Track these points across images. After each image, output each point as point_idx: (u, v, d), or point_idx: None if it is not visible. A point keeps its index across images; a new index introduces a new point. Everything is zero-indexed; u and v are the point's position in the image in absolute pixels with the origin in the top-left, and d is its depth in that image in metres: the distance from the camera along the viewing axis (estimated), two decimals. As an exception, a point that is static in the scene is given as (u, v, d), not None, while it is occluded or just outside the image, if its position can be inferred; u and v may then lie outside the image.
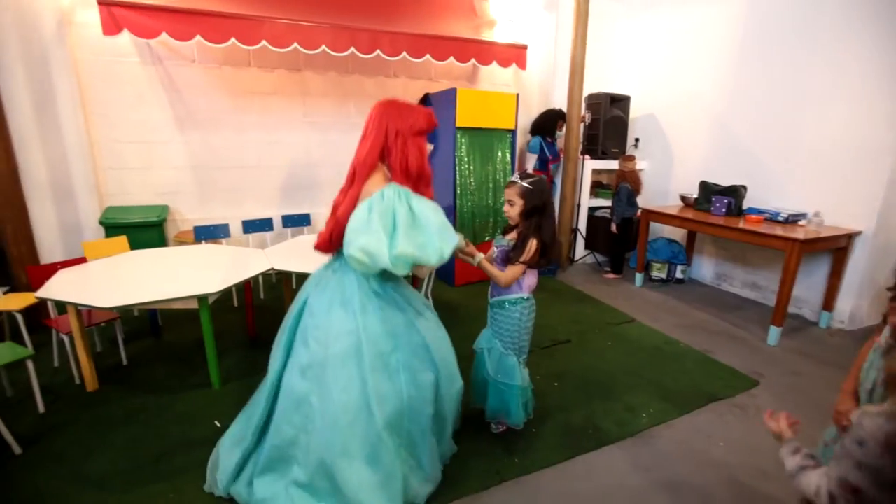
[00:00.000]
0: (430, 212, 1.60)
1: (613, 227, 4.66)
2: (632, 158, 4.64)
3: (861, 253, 3.49)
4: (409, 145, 1.61)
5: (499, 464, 2.07)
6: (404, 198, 1.57)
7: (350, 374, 1.61)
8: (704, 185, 4.32)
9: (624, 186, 4.53)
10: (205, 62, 4.02)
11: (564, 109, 4.78)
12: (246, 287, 3.14)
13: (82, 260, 2.95)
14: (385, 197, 1.55)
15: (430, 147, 1.71)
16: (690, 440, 2.30)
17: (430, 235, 1.56)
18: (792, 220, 3.59)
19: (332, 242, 1.71)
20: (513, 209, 1.96)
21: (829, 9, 3.52)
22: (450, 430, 1.96)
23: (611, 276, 4.82)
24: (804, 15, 3.67)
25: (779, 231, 3.36)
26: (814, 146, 3.70)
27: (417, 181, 1.65)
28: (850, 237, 3.47)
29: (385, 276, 1.71)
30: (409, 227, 1.53)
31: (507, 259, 1.97)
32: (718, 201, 4.02)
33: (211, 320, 2.54)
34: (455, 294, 4.15)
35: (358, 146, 1.68)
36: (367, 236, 1.50)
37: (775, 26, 3.88)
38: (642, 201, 5.29)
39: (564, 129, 4.86)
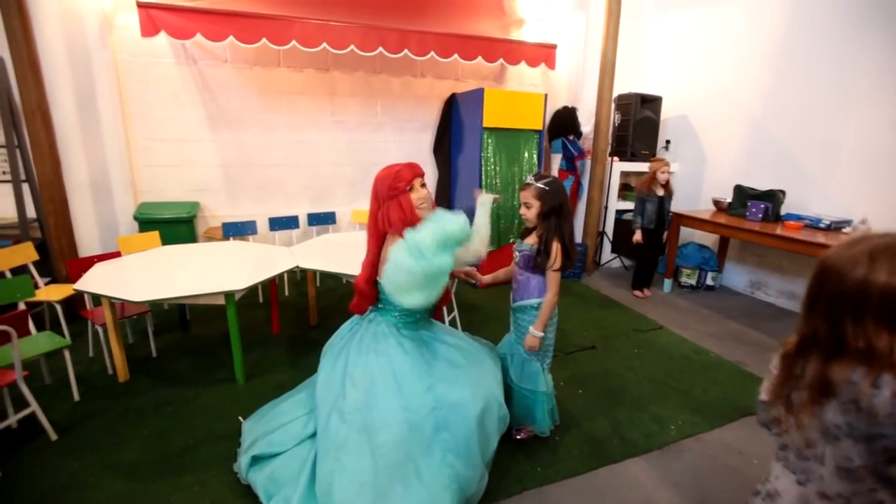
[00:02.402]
0: (429, 222, 1.64)
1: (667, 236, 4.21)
2: None
3: (911, 264, 3.27)
4: (390, 207, 1.71)
5: (520, 472, 2.03)
6: (407, 242, 1.62)
7: (392, 410, 1.67)
8: (739, 189, 4.15)
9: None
10: (236, 62, 4.11)
11: (593, 110, 4.68)
12: (271, 284, 3.18)
13: (117, 254, 3.06)
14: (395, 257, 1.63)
15: (423, 194, 1.72)
16: (721, 456, 2.20)
17: (437, 220, 1.62)
18: (835, 227, 3.41)
19: (361, 304, 1.87)
20: (530, 211, 1.93)
21: (874, 5, 3.32)
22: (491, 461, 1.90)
23: (648, 292, 4.35)
24: (848, 11, 3.48)
25: (821, 239, 3.19)
26: (859, 149, 3.50)
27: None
28: (900, 247, 3.26)
29: (414, 320, 1.86)
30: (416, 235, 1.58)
31: (534, 264, 1.93)
32: (754, 206, 3.85)
33: (237, 316, 2.59)
34: (478, 295, 4.11)
35: None
36: (398, 284, 1.60)
37: (816, 23, 3.69)
38: (672, 204, 5.15)
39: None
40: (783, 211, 3.84)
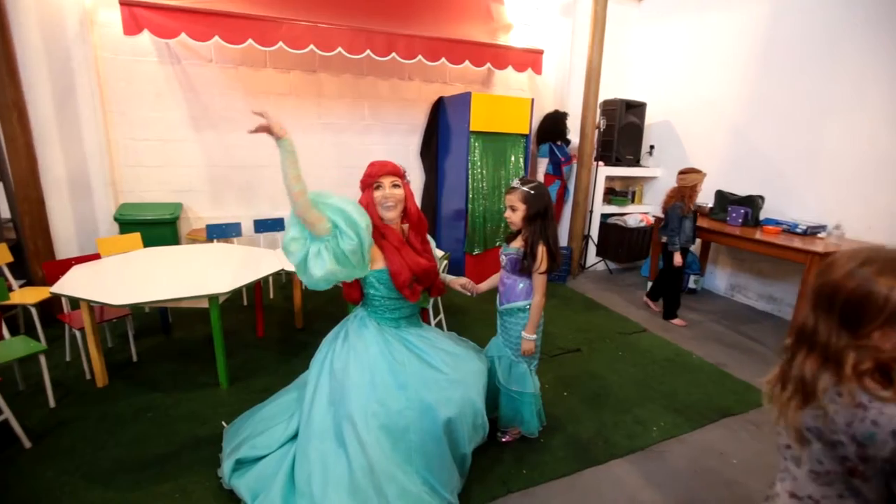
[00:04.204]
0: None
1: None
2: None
3: (883, 268, 3.39)
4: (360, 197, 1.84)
5: (505, 474, 2.04)
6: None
7: (362, 404, 1.68)
8: (720, 195, 4.25)
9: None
10: (222, 62, 4.06)
11: (579, 115, 4.74)
12: (256, 287, 3.14)
13: (96, 256, 2.99)
14: None
15: (387, 193, 1.81)
16: (702, 456, 2.24)
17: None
18: (811, 232, 3.52)
19: (349, 293, 1.89)
20: (515, 214, 1.95)
21: (853, 19, 3.44)
22: (466, 467, 1.90)
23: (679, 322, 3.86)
24: (828, 25, 3.60)
25: (797, 243, 3.29)
26: (834, 157, 3.61)
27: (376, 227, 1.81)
28: (872, 251, 3.37)
29: (395, 318, 1.88)
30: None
31: (520, 268, 1.95)
32: (735, 211, 3.95)
33: (220, 320, 2.55)
34: (464, 298, 4.12)
35: None
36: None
37: (798, 35, 3.81)
38: (656, 208, 5.22)
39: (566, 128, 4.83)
40: (762, 216, 3.94)
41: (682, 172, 3.63)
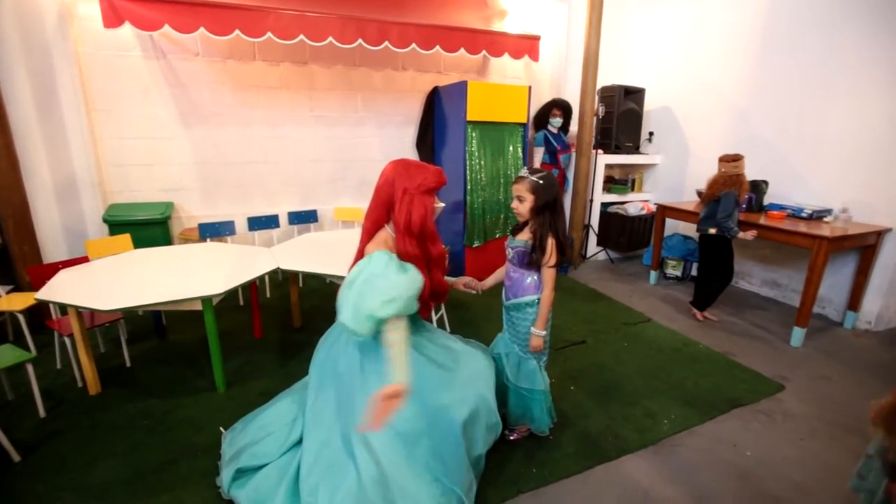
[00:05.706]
0: (395, 279, 1.52)
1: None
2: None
3: (890, 251, 3.34)
4: (416, 203, 1.59)
5: (516, 474, 1.97)
6: (388, 265, 1.55)
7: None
8: (723, 180, 4.17)
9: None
10: (209, 56, 3.93)
11: (577, 102, 4.64)
12: (252, 286, 3.06)
13: (85, 259, 2.89)
14: (372, 261, 1.55)
15: (440, 205, 1.66)
16: (715, 449, 2.19)
17: (373, 297, 1.50)
18: (817, 216, 3.45)
19: None
20: (522, 205, 1.87)
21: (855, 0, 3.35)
22: (480, 469, 1.85)
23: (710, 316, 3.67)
24: (831, 5, 3.50)
25: (803, 228, 3.22)
26: (840, 140, 3.54)
27: (422, 239, 1.65)
28: (880, 234, 3.32)
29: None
30: (366, 283, 1.51)
31: (529, 261, 1.87)
32: (738, 197, 3.87)
33: (216, 322, 2.46)
34: (465, 293, 4.04)
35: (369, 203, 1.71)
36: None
37: (800, 16, 3.71)
38: (656, 196, 5.16)
39: (560, 117, 4.69)
40: (766, 201, 3.88)
41: (731, 160, 3.29)
